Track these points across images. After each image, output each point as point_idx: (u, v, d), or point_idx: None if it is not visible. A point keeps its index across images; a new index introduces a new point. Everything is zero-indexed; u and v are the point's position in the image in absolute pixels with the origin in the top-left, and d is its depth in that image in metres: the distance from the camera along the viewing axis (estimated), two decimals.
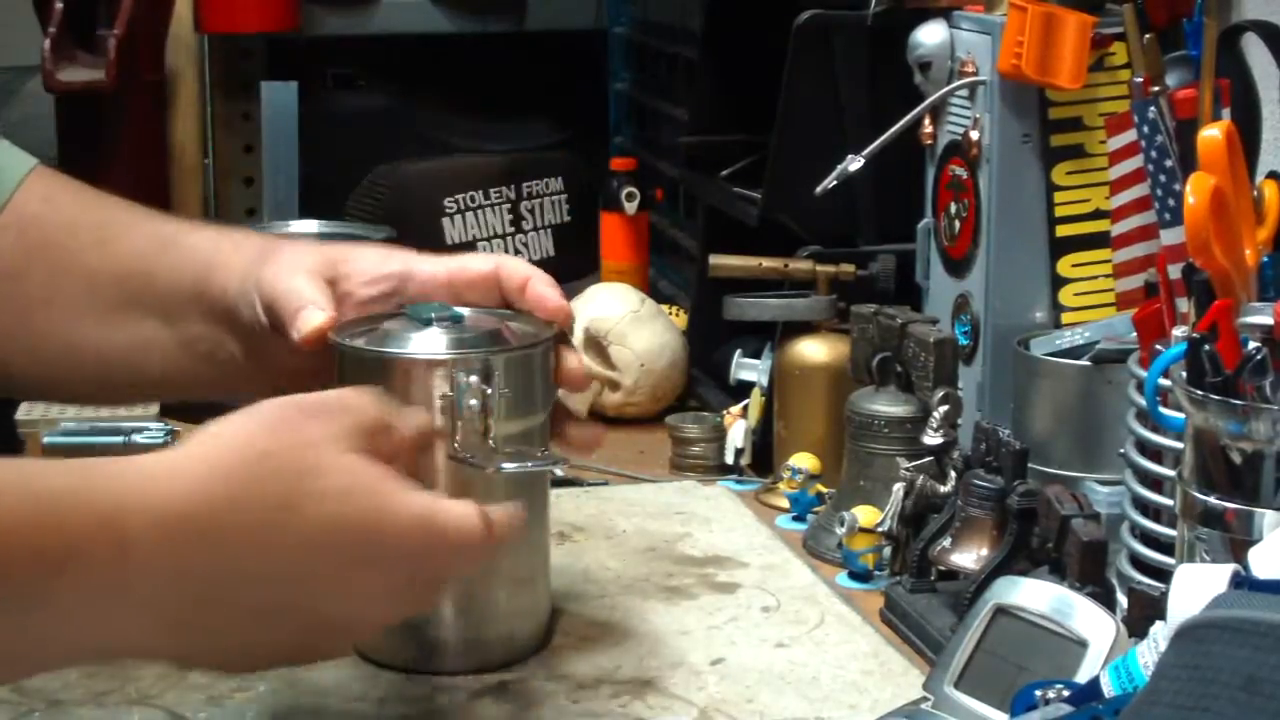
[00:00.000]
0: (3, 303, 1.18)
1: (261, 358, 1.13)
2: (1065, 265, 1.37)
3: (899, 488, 1.24)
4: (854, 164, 1.43)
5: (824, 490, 1.41)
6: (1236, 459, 0.97)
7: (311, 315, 1.06)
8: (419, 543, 0.92)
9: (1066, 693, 0.92)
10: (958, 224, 1.41)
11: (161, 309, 1.16)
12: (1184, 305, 1.13)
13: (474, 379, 1.04)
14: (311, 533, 0.89)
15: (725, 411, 1.57)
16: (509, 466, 1.05)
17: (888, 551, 1.27)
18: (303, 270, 1.10)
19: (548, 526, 1.16)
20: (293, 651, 0.94)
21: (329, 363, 1.08)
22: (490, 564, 1.09)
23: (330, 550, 0.89)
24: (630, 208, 1.92)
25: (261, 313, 1.10)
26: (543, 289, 1.13)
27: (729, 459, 1.53)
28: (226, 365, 1.15)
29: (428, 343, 1.07)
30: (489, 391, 1.05)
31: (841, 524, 1.27)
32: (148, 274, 1.16)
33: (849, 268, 1.50)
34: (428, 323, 1.08)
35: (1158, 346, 1.12)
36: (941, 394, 1.26)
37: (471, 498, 1.06)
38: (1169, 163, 1.19)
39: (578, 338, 1.67)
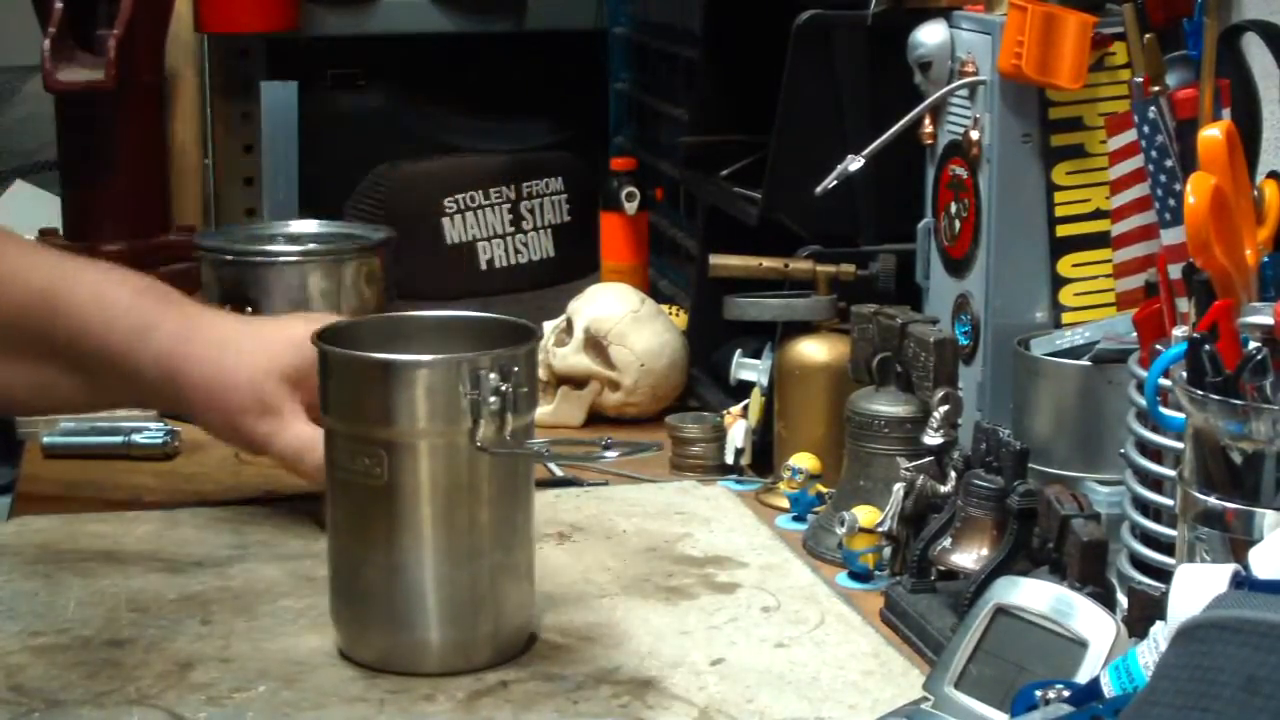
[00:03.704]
0: None
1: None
2: (1065, 265, 1.37)
3: (899, 488, 1.24)
4: (854, 164, 1.42)
5: (824, 490, 1.41)
6: (1237, 459, 0.97)
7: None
8: None
9: (1067, 693, 0.92)
10: (958, 224, 1.41)
11: (63, 359, 1.34)
12: (1184, 305, 1.13)
13: (494, 376, 1.07)
14: None
15: (725, 411, 1.57)
16: (550, 453, 1.12)
17: (888, 552, 1.26)
18: (291, 412, 1.33)
19: (533, 524, 1.15)
20: None
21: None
22: (476, 562, 1.10)
23: None
24: (630, 208, 1.92)
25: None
26: None
27: (729, 459, 1.53)
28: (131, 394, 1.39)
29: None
30: (505, 388, 1.08)
31: (841, 524, 1.27)
32: (42, 325, 1.32)
33: (849, 268, 1.49)
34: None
35: (1158, 346, 1.12)
36: (942, 394, 1.26)
37: (456, 499, 1.09)
38: (1169, 162, 1.19)
39: (578, 338, 1.67)
